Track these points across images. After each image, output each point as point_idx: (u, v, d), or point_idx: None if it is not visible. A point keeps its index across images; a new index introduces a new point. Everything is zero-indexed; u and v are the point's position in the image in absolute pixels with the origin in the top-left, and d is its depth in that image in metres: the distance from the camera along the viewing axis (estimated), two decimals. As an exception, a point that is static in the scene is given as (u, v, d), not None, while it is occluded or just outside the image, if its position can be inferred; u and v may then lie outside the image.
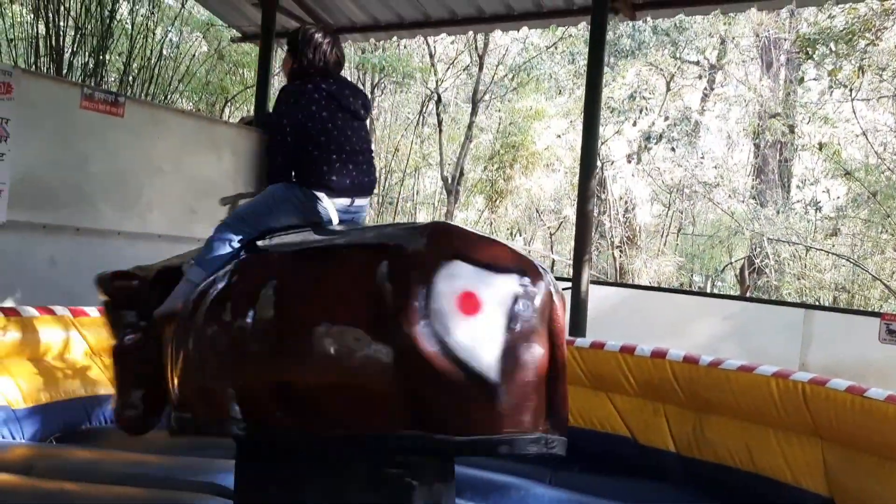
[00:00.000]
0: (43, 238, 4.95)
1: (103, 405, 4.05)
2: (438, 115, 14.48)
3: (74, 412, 3.92)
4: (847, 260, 11.73)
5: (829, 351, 5.22)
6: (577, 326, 5.27)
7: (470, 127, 14.02)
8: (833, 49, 9.71)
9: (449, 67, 14.93)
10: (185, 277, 2.65)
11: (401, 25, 6.72)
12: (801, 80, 11.90)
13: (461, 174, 14.37)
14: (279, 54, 12.06)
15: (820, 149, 11.50)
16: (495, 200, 15.99)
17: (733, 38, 13.67)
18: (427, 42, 13.42)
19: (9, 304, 4.62)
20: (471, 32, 7.53)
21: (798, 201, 13.33)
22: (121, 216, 5.45)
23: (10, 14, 8.85)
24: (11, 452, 3.33)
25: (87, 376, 4.07)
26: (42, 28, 8.17)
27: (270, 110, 2.84)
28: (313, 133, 2.65)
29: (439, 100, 14.39)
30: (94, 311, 4.21)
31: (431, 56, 14.11)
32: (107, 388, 4.10)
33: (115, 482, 2.93)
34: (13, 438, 3.60)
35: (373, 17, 6.70)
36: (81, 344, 4.10)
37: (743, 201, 13.48)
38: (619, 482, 3.61)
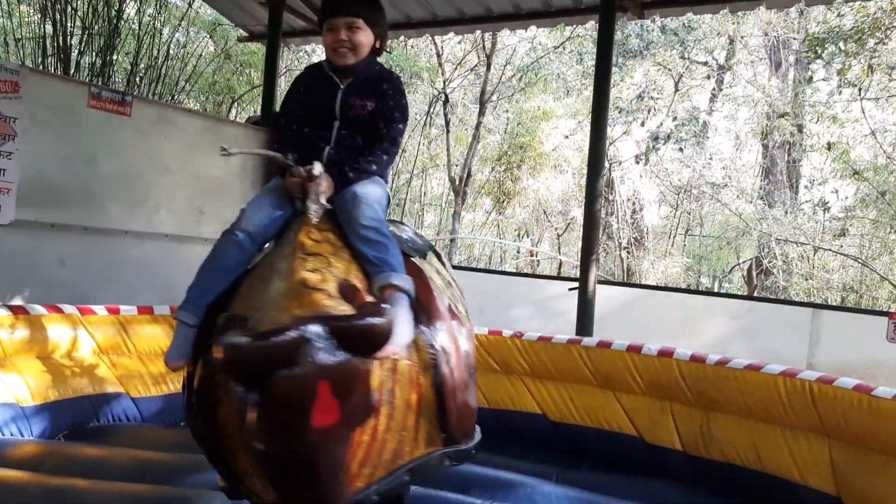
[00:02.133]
0: (51, 237, 4.97)
1: (111, 403, 4.07)
2: (446, 115, 14.48)
3: (82, 410, 3.94)
4: (855, 260, 11.68)
5: (837, 350, 5.19)
6: (585, 326, 5.26)
7: (477, 127, 14.02)
8: (842, 48, 9.67)
9: (456, 67, 14.93)
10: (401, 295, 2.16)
11: (408, 24, 6.72)
12: (810, 80, 11.85)
13: (469, 175, 14.36)
14: (286, 54, 12.06)
15: (828, 149, 11.45)
16: (503, 202, 15.99)
17: (742, 38, 13.63)
18: (434, 41, 13.43)
19: (17, 302, 4.65)
20: (478, 32, 7.52)
21: (806, 201, 13.29)
22: (128, 215, 5.47)
23: (17, 14, 8.90)
24: (20, 449, 3.35)
25: (95, 374, 4.08)
26: (49, 28, 8.21)
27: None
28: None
29: (447, 100, 14.40)
30: (101, 310, 4.23)
31: (439, 56, 14.11)
32: (114, 385, 4.13)
33: (122, 479, 2.93)
34: (22, 435, 3.62)
35: (380, 16, 6.70)
36: (89, 342, 4.11)
37: (751, 202, 13.44)
38: (626, 481, 3.60)
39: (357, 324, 1.65)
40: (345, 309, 1.75)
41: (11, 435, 3.58)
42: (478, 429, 2.42)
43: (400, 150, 2.48)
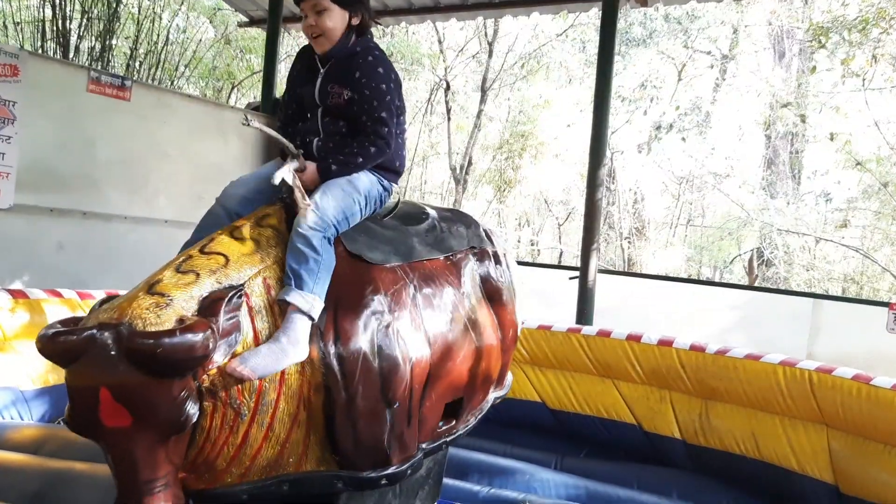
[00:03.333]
0: (50, 222, 4.96)
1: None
2: (447, 102, 14.41)
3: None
4: (857, 251, 11.66)
5: (837, 341, 5.19)
6: (585, 315, 5.27)
7: (479, 115, 13.96)
8: (846, 38, 9.62)
9: (458, 54, 14.86)
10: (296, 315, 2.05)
11: (410, 10, 6.68)
12: (814, 70, 11.79)
13: (469, 164, 14.32)
14: (286, 39, 12.00)
15: (831, 139, 11.41)
16: (504, 190, 15.95)
17: (746, 27, 13.55)
18: (436, 28, 13.36)
19: (17, 286, 4.64)
20: (480, 18, 7.48)
21: (808, 192, 13.26)
22: (127, 201, 5.46)
23: (17, -2, 8.86)
24: (20, 433, 3.35)
25: (94, 359, 4.07)
26: (49, 11, 8.17)
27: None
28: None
29: (448, 87, 14.33)
30: (100, 295, 4.22)
31: (440, 42, 14.04)
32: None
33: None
34: (22, 419, 3.62)
35: (382, 2, 6.66)
36: (89, 326, 4.11)
37: (753, 192, 13.42)
38: (624, 468, 3.61)
39: (144, 342, 1.63)
40: (164, 322, 1.71)
41: (12, 418, 3.58)
42: (436, 439, 2.36)
43: (396, 133, 2.38)
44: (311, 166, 2.23)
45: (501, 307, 2.66)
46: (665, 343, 3.91)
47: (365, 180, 2.32)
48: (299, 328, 1.94)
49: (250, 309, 1.93)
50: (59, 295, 4.02)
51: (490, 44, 13.60)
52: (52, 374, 3.84)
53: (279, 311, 1.97)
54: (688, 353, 3.82)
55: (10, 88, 4.60)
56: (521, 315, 4.13)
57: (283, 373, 1.91)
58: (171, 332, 1.64)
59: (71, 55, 8.17)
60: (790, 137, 13.30)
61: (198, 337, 1.65)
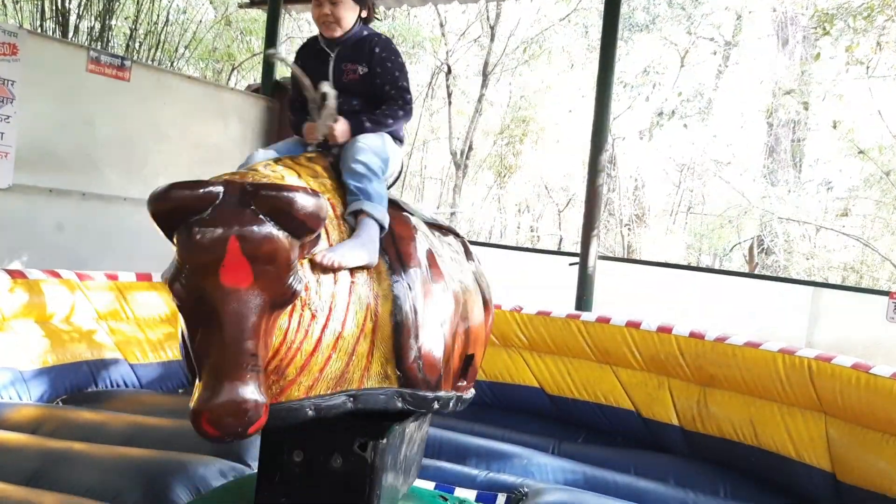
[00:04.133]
0: (49, 202, 4.94)
1: (109, 368, 4.08)
2: (448, 87, 14.35)
3: (80, 374, 3.94)
4: (857, 240, 11.65)
5: (837, 329, 5.19)
6: (584, 301, 5.26)
7: (480, 100, 13.91)
8: (851, 25, 9.55)
9: (459, 38, 14.77)
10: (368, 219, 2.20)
11: (411, -7, 6.63)
12: (817, 57, 11.72)
13: (470, 148, 14.28)
14: (287, 21, 11.93)
15: (834, 127, 11.37)
16: (504, 176, 15.91)
17: (750, 13, 13.46)
18: (438, 11, 13.27)
19: (15, 266, 4.63)
20: (482, 1, 7.42)
21: (810, 181, 13.22)
22: (127, 182, 5.43)
23: (16, -25, 8.78)
24: (19, 413, 3.36)
25: (93, 339, 4.08)
26: (48, -10, 8.10)
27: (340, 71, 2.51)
28: None
29: (449, 71, 14.26)
30: (100, 276, 4.22)
31: (442, 26, 13.96)
32: (112, 351, 4.13)
33: (119, 443, 2.95)
34: (21, 399, 3.63)
35: (383, -16, 6.62)
36: (88, 308, 4.11)
37: (754, 180, 13.38)
38: (621, 454, 3.62)
39: (277, 194, 1.65)
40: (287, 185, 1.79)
41: (10, 399, 3.59)
42: (460, 391, 2.41)
43: (413, 108, 2.60)
44: (343, 120, 2.38)
45: (482, 295, 2.76)
46: (664, 330, 3.91)
47: (389, 142, 2.48)
48: (374, 230, 2.14)
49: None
50: (57, 275, 4.02)
51: (492, 28, 13.53)
52: (51, 355, 3.85)
53: (339, 223, 2.13)
54: (687, 339, 3.83)
55: (8, 67, 4.57)
56: (516, 301, 4.16)
57: (352, 282, 2.00)
58: (301, 188, 1.71)
59: (70, 34, 8.11)
60: (792, 125, 13.25)
61: (321, 199, 1.71)
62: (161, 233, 1.71)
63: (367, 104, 2.48)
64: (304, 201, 1.66)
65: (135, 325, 4.32)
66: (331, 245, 2.02)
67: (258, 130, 6.44)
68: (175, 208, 1.64)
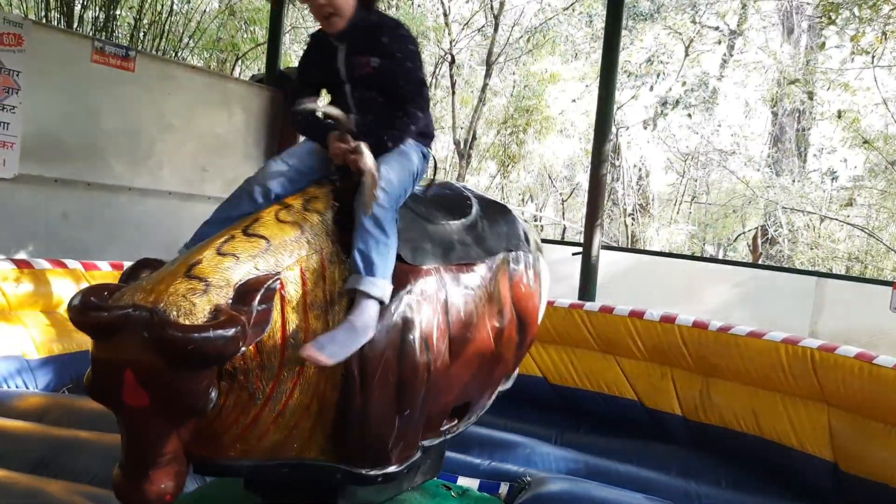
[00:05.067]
0: (55, 192, 4.96)
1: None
2: (452, 76, 14.30)
3: (86, 363, 3.91)
4: (862, 230, 11.63)
5: (840, 319, 5.19)
6: (587, 291, 5.27)
7: (483, 90, 13.86)
8: (856, 14, 9.50)
9: (463, 28, 14.72)
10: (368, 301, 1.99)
11: (415, -17, 6.61)
12: (823, 46, 11.66)
13: (473, 138, 14.25)
14: (291, 11, 11.89)
15: (839, 117, 11.32)
16: (508, 165, 15.89)
17: (755, 3, 13.39)
18: (441, 0, 13.23)
19: (21, 256, 4.66)
20: (486, -9, 7.40)
21: (814, 170, 13.19)
22: (132, 172, 5.46)
23: (20, -34, 8.79)
24: (25, 401, 3.38)
25: (99, 329, 4.10)
26: (53, -19, 8.09)
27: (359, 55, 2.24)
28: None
29: (453, 61, 14.21)
30: (104, 266, 4.24)
31: (446, 16, 13.90)
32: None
33: (125, 432, 2.96)
34: (27, 388, 3.66)
35: (387, -27, 6.60)
36: (93, 297, 4.12)
37: (758, 170, 13.35)
38: (624, 444, 3.64)
39: (176, 335, 1.61)
40: (198, 312, 1.69)
41: (17, 387, 3.62)
42: (414, 454, 2.27)
43: (430, 98, 2.34)
44: (364, 149, 2.09)
45: (527, 311, 2.61)
46: (667, 320, 3.91)
47: (414, 151, 2.28)
48: (372, 313, 1.94)
49: (283, 298, 1.89)
50: (63, 265, 4.04)
51: (496, 17, 13.46)
52: (57, 344, 3.87)
53: (310, 304, 1.95)
54: (690, 329, 3.83)
55: (14, 58, 4.58)
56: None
57: (302, 367, 1.90)
58: (203, 328, 1.63)
59: (75, 25, 8.11)
60: (797, 114, 13.20)
61: (229, 333, 1.63)
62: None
63: (387, 95, 2.24)
64: (205, 343, 1.61)
65: (140, 314, 4.33)
66: (283, 326, 1.88)
67: (262, 120, 6.45)
68: (85, 328, 1.70)
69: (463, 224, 2.42)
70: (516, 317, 2.54)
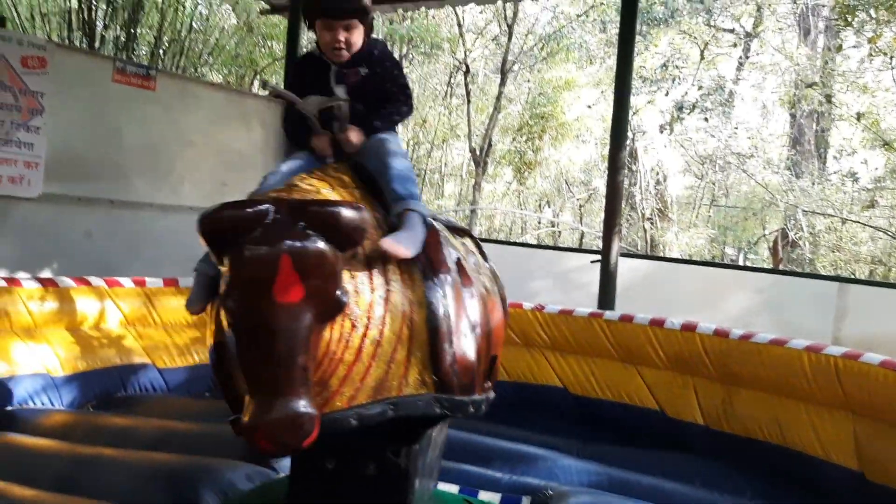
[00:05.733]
0: (78, 210, 5.04)
1: (137, 373, 4.15)
2: (467, 85, 14.34)
3: (110, 380, 4.01)
4: (885, 233, 11.48)
5: (864, 325, 5.12)
6: (607, 299, 5.25)
7: (498, 97, 13.88)
8: (873, 15, 9.41)
9: (477, 37, 14.76)
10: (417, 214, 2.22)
11: (430, -5, 6.65)
12: (840, 48, 11.55)
13: (489, 145, 14.26)
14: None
15: (858, 119, 11.20)
16: (524, 172, 15.89)
17: (770, 5, 13.30)
18: (455, 11, 13.27)
19: (46, 274, 4.73)
20: (500, 1, 7.41)
21: (835, 172, 13.05)
22: (153, 188, 5.53)
23: (43, -12, 8.93)
24: (51, 418, 3.43)
25: (122, 345, 4.15)
26: (74, 2, 8.23)
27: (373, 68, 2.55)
28: None
29: (468, 70, 14.25)
30: (128, 282, 4.29)
31: (460, 26, 13.95)
32: (141, 356, 4.20)
33: (149, 448, 3.00)
34: (52, 405, 3.70)
35: (401, -13, 6.64)
36: (116, 314, 4.18)
37: (777, 172, 13.23)
38: (647, 454, 3.61)
39: (325, 209, 1.71)
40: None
41: (43, 404, 3.67)
42: (486, 393, 2.41)
43: (413, 103, 2.69)
44: (355, 128, 2.42)
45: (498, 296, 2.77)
46: (688, 328, 3.89)
47: (399, 140, 2.54)
48: (420, 225, 2.18)
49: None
50: (87, 283, 4.10)
51: (510, 26, 13.49)
52: (81, 361, 3.92)
53: (378, 235, 2.10)
54: (711, 338, 3.80)
55: (38, 80, 4.67)
56: (540, 298, 4.13)
57: (388, 290, 2.02)
58: (345, 203, 1.78)
59: (97, 44, 8.24)
60: (815, 116, 13.08)
61: (364, 212, 1.78)
62: (211, 254, 1.77)
63: (372, 104, 2.50)
64: (350, 215, 1.72)
65: (162, 330, 4.39)
66: (364, 252, 2.01)
67: (280, 135, 6.50)
68: (226, 228, 1.69)
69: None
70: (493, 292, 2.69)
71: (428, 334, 2.06)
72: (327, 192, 2.10)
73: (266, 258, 1.65)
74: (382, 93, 2.52)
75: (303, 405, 1.66)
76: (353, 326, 1.91)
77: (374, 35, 2.60)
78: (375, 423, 2.02)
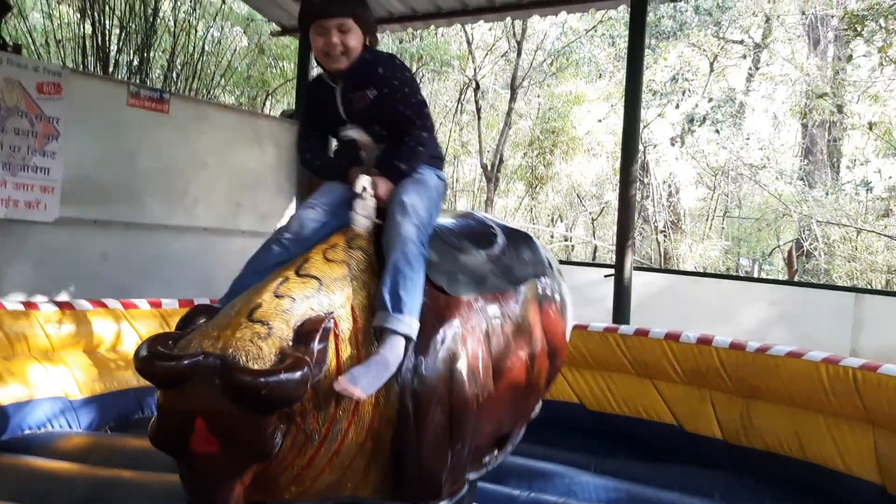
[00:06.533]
0: (94, 233, 5.09)
1: (154, 394, 4.15)
2: (477, 102, 14.40)
3: (127, 402, 4.04)
4: (900, 242, 11.38)
5: (882, 336, 5.07)
6: (621, 314, 5.23)
7: (509, 113, 13.92)
8: (883, 25, 9.39)
9: (487, 54, 14.83)
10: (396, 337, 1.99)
11: (438, 14, 6.69)
12: (850, 58, 11.52)
13: (501, 161, 14.29)
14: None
15: (870, 128, 11.15)
16: (535, 187, 15.90)
17: (778, 17, 13.30)
18: (465, 29, 13.35)
19: (63, 297, 4.77)
20: (508, 19, 7.45)
21: (848, 182, 12.96)
22: (168, 211, 5.57)
23: (57, 15, 9.07)
24: (69, 441, 3.45)
25: (139, 367, 4.17)
26: (88, 28, 8.35)
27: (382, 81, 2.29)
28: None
29: (478, 87, 14.32)
30: (144, 304, 4.32)
31: (469, 43, 14.02)
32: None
33: (167, 470, 3.00)
34: (70, 428, 3.73)
35: (410, 7, 6.69)
36: (133, 335, 4.21)
37: (790, 183, 13.17)
38: (665, 470, 3.59)
39: (246, 379, 1.63)
40: (266, 356, 1.72)
41: (61, 427, 3.69)
42: (461, 489, 2.28)
43: (432, 120, 2.41)
44: (381, 179, 2.21)
45: (556, 337, 2.66)
46: (704, 341, 3.87)
47: (430, 175, 2.32)
48: (399, 350, 1.95)
49: (336, 336, 1.92)
50: (103, 305, 4.13)
51: (519, 43, 13.56)
52: (99, 384, 3.95)
53: (362, 340, 1.98)
54: (728, 351, 3.78)
55: (53, 105, 4.73)
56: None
57: (357, 405, 1.92)
58: (274, 371, 1.65)
59: (111, 69, 8.35)
60: (827, 126, 13.02)
61: (297, 375, 1.66)
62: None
63: (389, 127, 2.30)
64: (276, 387, 1.63)
65: (179, 351, 4.40)
66: (339, 364, 1.91)
67: (293, 154, 6.55)
68: (153, 378, 1.70)
69: (491, 253, 2.45)
70: (546, 343, 2.57)
71: (392, 453, 2.00)
72: (297, 304, 1.88)
73: (182, 416, 1.67)
74: (397, 116, 2.28)
75: None
76: (308, 439, 1.87)
77: (380, 48, 2.42)
78: None
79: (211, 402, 1.65)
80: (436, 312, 2.12)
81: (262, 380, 1.62)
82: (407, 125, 2.28)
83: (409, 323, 1.99)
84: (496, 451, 2.51)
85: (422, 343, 2.04)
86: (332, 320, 1.89)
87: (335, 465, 1.94)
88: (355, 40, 2.28)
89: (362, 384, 1.85)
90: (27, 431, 3.55)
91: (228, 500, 1.72)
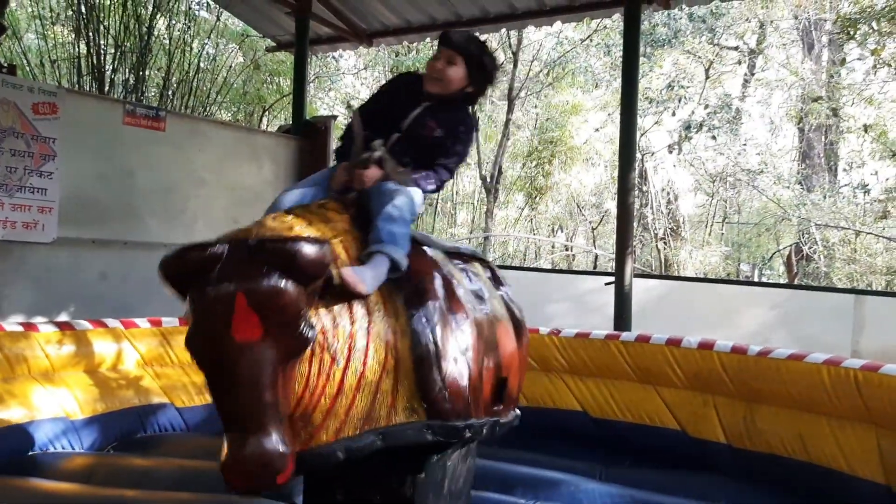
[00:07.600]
0: (92, 253, 5.09)
1: (156, 413, 4.15)
2: (474, 113, 14.44)
3: (129, 421, 4.02)
4: (899, 243, 11.39)
5: (882, 336, 5.07)
6: (623, 321, 5.23)
7: (506, 124, 13.97)
8: (875, 28, 9.43)
9: (483, 66, 14.88)
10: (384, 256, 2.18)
11: (433, 26, 6.73)
12: (844, 61, 11.57)
13: (500, 172, 14.33)
14: (314, 61, 12.10)
15: (866, 131, 11.18)
16: (535, 197, 15.92)
17: (772, 22, 13.37)
18: (460, 41, 13.38)
19: (62, 317, 4.77)
20: (503, 29, 7.51)
21: (845, 185, 12.99)
22: (166, 228, 5.58)
23: (52, 35, 9.12)
24: (72, 462, 3.43)
25: (141, 386, 4.16)
26: (83, 47, 8.39)
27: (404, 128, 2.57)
28: None
29: (474, 98, 14.37)
30: (144, 323, 4.32)
31: (465, 55, 14.09)
32: (159, 396, 4.21)
33: (170, 488, 3.00)
34: (73, 448, 3.71)
35: (405, 19, 6.73)
36: (133, 355, 4.20)
37: (788, 187, 13.19)
38: (670, 475, 3.58)
39: (280, 246, 1.70)
40: (293, 235, 1.84)
41: (63, 448, 3.67)
42: (496, 416, 2.41)
43: (450, 181, 2.72)
44: (375, 171, 2.38)
45: (513, 323, 2.75)
46: (706, 346, 3.86)
47: (416, 192, 2.51)
48: (382, 266, 2.11)
49: (336, 260, 2.01)
50: (103, 325, 4.12)
51: (514, 53, 13.62)
52: (100, 403, 3.93)
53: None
54: (729, 355, 3.78)
55: (49, 125, 4.75)
56: (556, 322, 4.14)
57: (370, 320, 2.01)
58: (303, 238, 1.77)
59: (106, 88, 8.39)
60: (824, 129, 13.06)
61: (324, 246, 1.76)
62: (177, 297, 1.78)
63: (422, 160, 2.51)
64: (307, 250, 1.71)
65: (180, 369, 4.39)
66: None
67: (290, 170, 6.57)
68: (185, 270, 1.71)
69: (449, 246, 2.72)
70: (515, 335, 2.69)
71: (413, 362, 2.06)
72: (300, 229, 2.05)
73: (222, 297, 1.66)
74: (439, 150, 2.53)
75: (272, 443, 1.66)
76: (333, 360, 1.90)
77: (472, 110, 2.70)
78: (365, 455, 2.00)
79: (249, 276, 1.67)
80: (424, 255, 2.37)
81: (295, 245, 1.70)
82: (442, 157, 2.54)
83: (400, 253, 2.19)
84: (500, 405, 2.50)
85: (416, 269, 2.24)
86: (328, 244, 1.95)
87: (364, 388, 1.97)
88: (456, 77, 2.53)
89: (367, 280, 2.02)
90: (30, 453, 3.54)
91: (271, 401, 1.68)
